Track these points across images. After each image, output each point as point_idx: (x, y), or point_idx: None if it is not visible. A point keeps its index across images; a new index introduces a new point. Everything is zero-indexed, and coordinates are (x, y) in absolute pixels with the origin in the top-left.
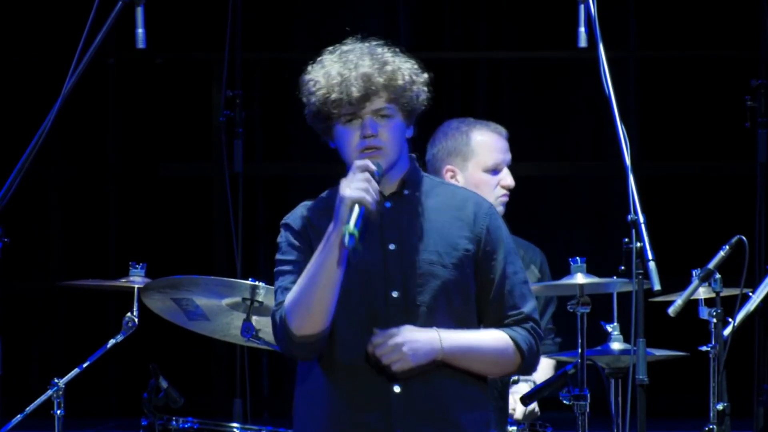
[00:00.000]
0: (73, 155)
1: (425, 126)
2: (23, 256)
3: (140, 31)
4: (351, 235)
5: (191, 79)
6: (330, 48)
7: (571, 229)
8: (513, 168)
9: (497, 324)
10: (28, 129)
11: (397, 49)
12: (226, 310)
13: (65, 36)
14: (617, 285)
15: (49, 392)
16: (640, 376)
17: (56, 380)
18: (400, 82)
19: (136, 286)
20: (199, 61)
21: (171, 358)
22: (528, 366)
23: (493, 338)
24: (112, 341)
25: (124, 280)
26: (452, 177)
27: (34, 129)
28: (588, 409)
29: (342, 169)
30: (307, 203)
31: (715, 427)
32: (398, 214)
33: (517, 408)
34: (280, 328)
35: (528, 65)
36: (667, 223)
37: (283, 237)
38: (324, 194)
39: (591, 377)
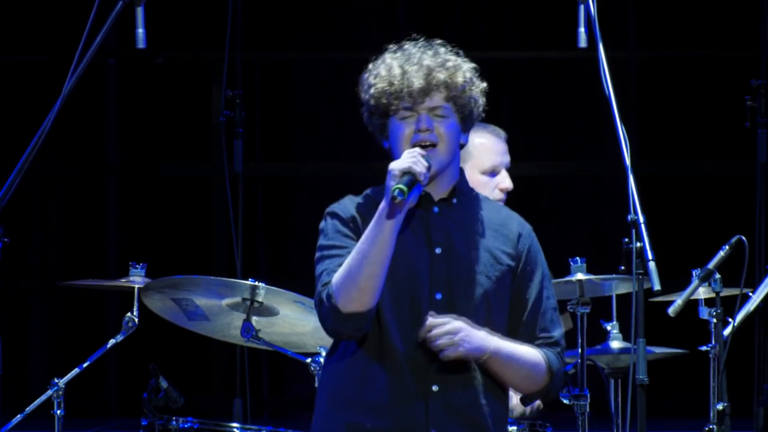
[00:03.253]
0: (73, 155)
1: None
2: (23, 255)
3: (140, 31)
4: (400, 190)
5: (191, 79)
6: (392, 46)
7: (571, 229)
8: (512, 167)
9: (529, 343)
10: (28, 129)
11: (460, 51)
12: (226, 310)
13: (65, 36)
14: (617, 285)
15: (49, 392)
16: (640, 376)
17: (56, 380)
18: (460, 80)
19: (136, 286)
20: (199, 61)
21: (171, 358)
22: (553, 388)
23: (530, 353)
24: (112, 341)
25: (124, 280)
26: None
27: (34, 129)
28: (588, 409)
29: (344, 168)
30: (353, 196)
31: (715, 427)
32: (446, 220)
33: (516, 408)
34: (327, 304)
35: (528, 65)
36: (667, 223)
37: (330, 224)
38: (369, 191)
39: (591, 377)
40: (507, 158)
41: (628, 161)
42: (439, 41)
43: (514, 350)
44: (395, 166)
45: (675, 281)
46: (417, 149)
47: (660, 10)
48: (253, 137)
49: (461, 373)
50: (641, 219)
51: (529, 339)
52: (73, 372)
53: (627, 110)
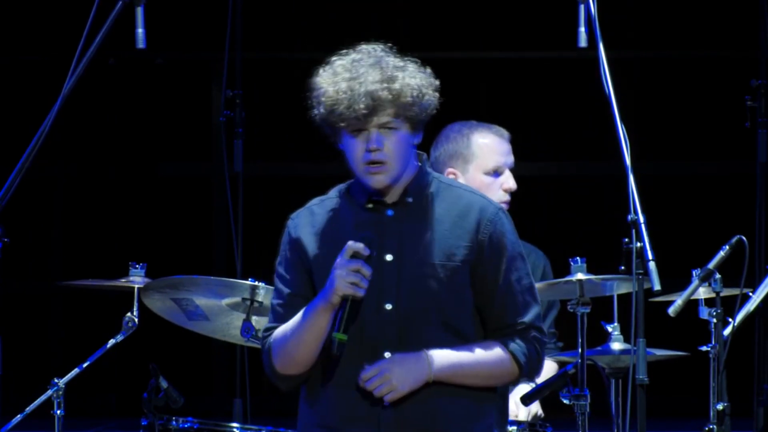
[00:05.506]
0: (73, 155)
1: (427, 128)
2: (23, 256)
3: (140, 31)
4: (341, 341)
5: (191, 79)
6: (342, 51)
7: (571, 229)
8: (513, 167)
9: (498, 333)
10: (28, 129)
11: (407, 59)
12: (226, 310)
13: (65, 36)
14: (617, 285)
15: (49, 392)
16: (640, 376)
17: (56, 380)
18: (408, 99)
19: (136, 286)
20: (199, 61)
21: (171, 358)
22: (527, 376)
23: (488, 353)
24: (112, 341)
25: (124, 280)
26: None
27: (34, 129)
28: (588, 409)
29: (343, 168)
30: (314, 205)
31: (715, 427)
32: (399, 223)
33: (519, 412)
34: (266, 359)
35: (528, 65)
36: (667, 223)
37: (283, 242)
38: (333, 192)
39: (591, 377)
40: (510, 158)
41: (628, 161)
42: (386, 49)
43: (465, 359)
44: (341, 285)
45: (675, 281)
46: (360, 246)
47: (660, 10)
48: (253, 137)
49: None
50: (641, 219)
51: (499, 328)
52: (73, 372)
53: (627, 110)
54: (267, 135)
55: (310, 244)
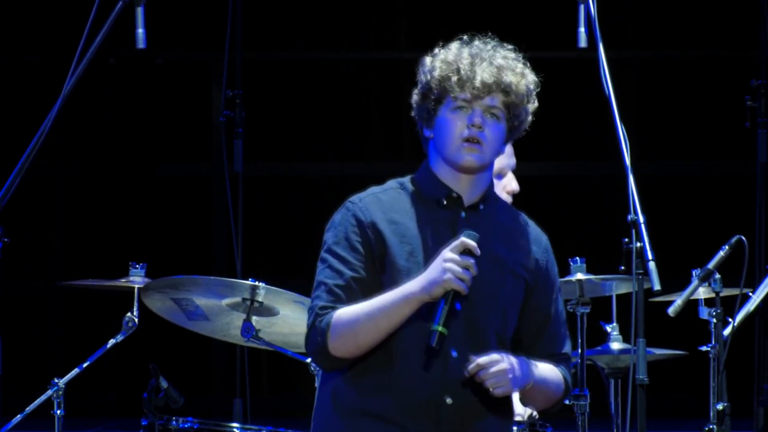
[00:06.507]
0: (73, 155)
1: None
2: (23, 256)
3: (140, 31)
4: (441, 334)
5: (191, 79)
6: (463, 38)
7: (571, 229)
8: (515, 169)
9: (542, 359)
10: (28, 129)
11: (528, 63)
12: (226, 310)
13: (65, 36)
14: (617, 285)
15: (49, 392)
16: (640, 376)
17: (56, 380)
18: (523, 89)
19: (136, 286)
20: (199, 61)
21: (171, 358)
22: (562, 403)
23: (553, 374)
24: (112, 341)
25: (124, 280)
26: None
27: (34, 129)
28: (588, 409)
29: (343, 168)
30: (378, 192)
31: (715, 427)
32: (472, 227)
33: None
34: (317, 338)
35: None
36: (667, 223)
37: (344, 223)
38: (394, 184)
39: (591, 377)
40: (513, 160)
41: (628, 161)
42: (510, 46)
43: (544, 374)
44: (448, 278)
45: (675, 281)
46: (474, 245)
47: (660, 10)
48: (253, 137)
49: (477, 385)
50: (641, 219)
51: (546, 354)
52: (73, 372)
53: (627, 110)
54: (267, 135)
55: (385, 230)
